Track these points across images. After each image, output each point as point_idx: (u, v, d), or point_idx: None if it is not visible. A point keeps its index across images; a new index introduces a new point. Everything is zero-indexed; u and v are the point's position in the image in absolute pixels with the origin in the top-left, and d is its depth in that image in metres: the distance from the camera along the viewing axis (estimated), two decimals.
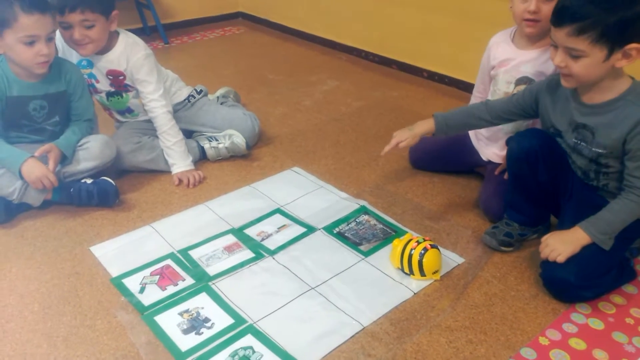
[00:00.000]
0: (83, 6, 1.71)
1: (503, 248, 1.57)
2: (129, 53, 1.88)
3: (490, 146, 1.84)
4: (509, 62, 1.69)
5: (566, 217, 1.45)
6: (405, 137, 1.61)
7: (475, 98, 1.89)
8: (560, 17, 1.24)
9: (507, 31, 1.73)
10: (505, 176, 1.66)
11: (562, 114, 1.41)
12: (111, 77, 1.91)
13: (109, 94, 1.97)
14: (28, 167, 1.64)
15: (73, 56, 1.89)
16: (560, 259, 1.33)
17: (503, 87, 1.71)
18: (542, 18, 1.55)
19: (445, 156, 1.96)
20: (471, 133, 1.91)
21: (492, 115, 1.56)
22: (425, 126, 1.61)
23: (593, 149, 1.35)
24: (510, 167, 1.54)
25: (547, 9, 1.50)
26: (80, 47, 1.80)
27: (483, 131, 1.84)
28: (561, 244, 1.35)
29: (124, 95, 1.97)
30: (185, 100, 2.11)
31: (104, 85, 1.94)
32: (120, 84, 1.93)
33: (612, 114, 1.30)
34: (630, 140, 1.28)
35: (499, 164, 1.79)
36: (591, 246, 1.33)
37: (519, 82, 1.67)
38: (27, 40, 1.59)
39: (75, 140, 1.79)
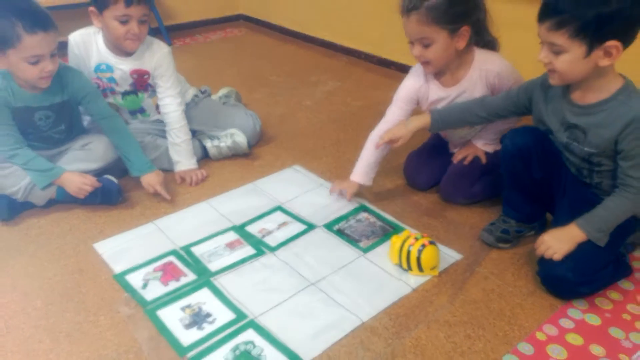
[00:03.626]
0: (146, 0, 1.80)
1: (500, 244, 1.59)
2: (154, 51, 1.93)
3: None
4: (441, 101, 1.73)
5: (561, 213, 1.47)
6: (401, 134, 1.63)
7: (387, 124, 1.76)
8: (542, 12, 1.27)
9: (419, 71, 1.74)
10: (465, 162, 1.78)
11: (554, 114, 1.42)
12: (135, 76, 1.94)
13: (125, 93, 1.99)
14: (66, 179, 1.72)
15: (92, 60, 1.91)
16: (557, 257, 1.34)
17: None
18: (430, 60, 1.62)
19: (436, 168, 1.92)
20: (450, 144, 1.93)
21: (488, 111, 1.58)
22: (420, 121, 1.63)
23: (585, 148, 1.36)
24: (505, 164, 1.55)
25: (429, 54, 1.60)
26: (132, 42, 1.84)
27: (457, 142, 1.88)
28: (557, 242, 1.36)
29: (139, 94, 1.99)
30: (190, 101, 2.13)
31: (122, 87, 1.96)
32: (143, 83, 1.96)
33: (604, 114, 1.30)
34: (621, 141, 1.28)
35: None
36: (587, 243, 1.34)
37: None
38: (32, 60, 1.58)
39: (137, 146, 1.87)
